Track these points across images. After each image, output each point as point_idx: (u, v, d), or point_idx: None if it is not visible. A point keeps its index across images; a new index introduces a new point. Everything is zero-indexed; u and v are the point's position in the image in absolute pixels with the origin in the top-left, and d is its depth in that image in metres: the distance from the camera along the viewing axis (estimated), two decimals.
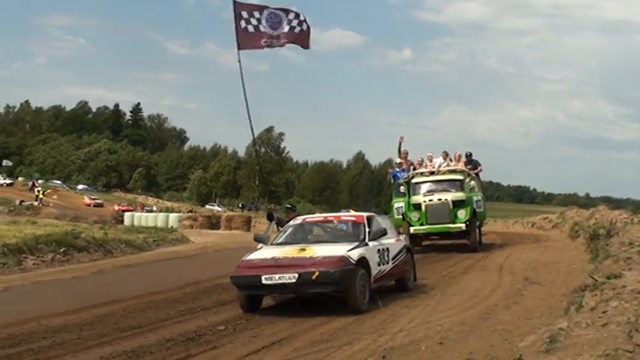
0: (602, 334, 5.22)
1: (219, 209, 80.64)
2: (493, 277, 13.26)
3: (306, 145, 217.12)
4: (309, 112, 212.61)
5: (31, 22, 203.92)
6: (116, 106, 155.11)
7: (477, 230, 20.63)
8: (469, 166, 21.32)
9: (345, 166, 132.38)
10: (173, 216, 48.56)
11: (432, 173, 20.84)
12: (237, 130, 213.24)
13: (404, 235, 13.69)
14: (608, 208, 26.96)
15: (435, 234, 20.08)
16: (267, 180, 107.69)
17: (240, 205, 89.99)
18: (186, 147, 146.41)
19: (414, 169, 21.51)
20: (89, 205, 63.72)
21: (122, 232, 26.32)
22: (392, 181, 22.19)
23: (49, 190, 72.82)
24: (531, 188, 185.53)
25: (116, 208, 63.49)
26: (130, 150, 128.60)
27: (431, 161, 21.53)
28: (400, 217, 20.07)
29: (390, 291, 11.84)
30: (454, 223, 19.07)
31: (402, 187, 20.60)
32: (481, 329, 8.37)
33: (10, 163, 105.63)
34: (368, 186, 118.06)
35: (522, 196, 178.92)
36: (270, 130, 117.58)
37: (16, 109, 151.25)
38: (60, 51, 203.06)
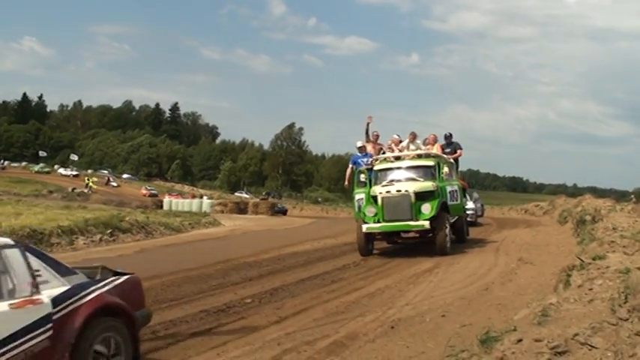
0: (589, 308, 5.18)
1: (247, 196, 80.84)
2: (490, 258, 13.18)
3: (324, 139, 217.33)
4: (327, 110, 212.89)
5: (83, 31, 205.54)
6: (157, 104, 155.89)
7: (464, 225, 16.48)
8: (448, 150, 16.42)
9: None
10: (206, 202, 48.77)
11: (398, 159, 15.70)
12: (263, 125, 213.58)
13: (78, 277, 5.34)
14: (593, 197, 26.80)
15: (393, 233, 14.71)
16: (289, 170, 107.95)
17: (265, 193, 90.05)
18: (217, 141, 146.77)
19: (384, 153, 16.39)
20: (145, 196, 63.67)
21: (161, 216, 26.43)
22: (352, 168, 16.41)
23: (96, 179, 73.42)
24: (524, 179, 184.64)
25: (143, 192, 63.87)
26: (169, 144, 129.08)
27: (397, 144, 16.28)
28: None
29: (394, 270, 11.83)
30: (416, 219, 13.57)
31: (362, 176, 15.27)
32: (479, 303, 8.34)
33: (76, 158, 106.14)
34: None
35: (516, 185, 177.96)
36: (291, 126, 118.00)
37: (69, 108, 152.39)
38: (107, 56, 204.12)
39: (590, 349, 3.96)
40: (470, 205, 23.09)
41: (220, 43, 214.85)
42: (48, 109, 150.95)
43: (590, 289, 5.96)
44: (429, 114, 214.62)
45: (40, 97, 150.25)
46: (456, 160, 16.62)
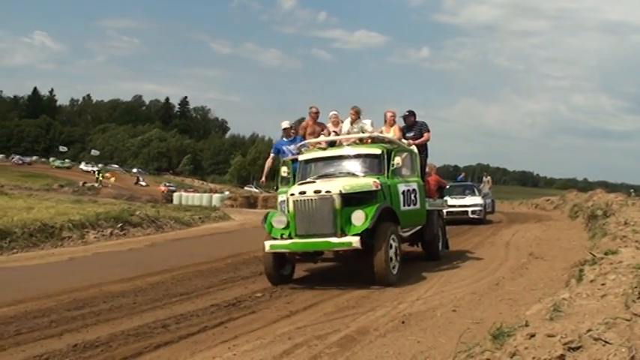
0: (602, 303, 5.15)
1: (256, 190, 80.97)
2: (500, 252, 13.15)
3: None
4: (337, 104, 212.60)
5: (92, 25, 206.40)
6: (166, 99, 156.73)
7: (438, 236, 12.36)
8: (410, 134, 11.97)
9: None
10: (216, 196, 48.86)
11: (333, 145, 11.38)
12: (273, 119, 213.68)
13: None
14: (605, 192, 26.66)
15: (311, 253, 9.90)
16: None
17: (275, 187, 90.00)
18: (227, 135, 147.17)
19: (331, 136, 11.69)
20: (163, 192, 63.72)
21: (171, 210, 26.52)
22: (274, 157, 12.47)
23: (107, 174, 73.67)
24: (535, 173, 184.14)
25: (162, 188, 63.70)
26: (178, 138, 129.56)
27: (335, 125, 11.72)
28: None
29: (405, 264, 11.80)
30: (342, 233, 9.18)
31: (284, 169, 11.28)
32: (490, 298, 8.31)
33: (97, 153, 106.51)
34: None
35: (526, 180, 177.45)
36: (301, 120, 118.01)
37: (79, 102, 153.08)
38: (117, 50, 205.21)
39: (603, 345, 3.92)
40: (475, 201, 22.91)
41: (230, 37, 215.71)
42: (58, 104, 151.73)
43: (603, 284, 5.92)
44: (438, 107, 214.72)
45: (51, 92, 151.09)
46: (423, 147, 12.00)
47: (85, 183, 59.87)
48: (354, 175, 10.34)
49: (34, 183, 59.37)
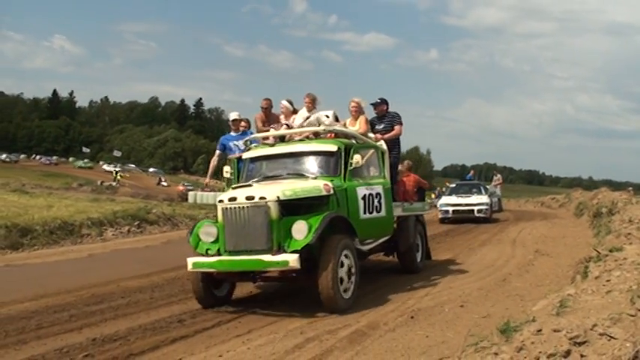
0: (607, 299, 5.12)
1: None
2: (507, 249, 13.10)
3: None
4: (347, 105, 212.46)
5: (110, 29, 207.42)
6: (182, 100, 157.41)
7: (414, 246, 10.30)
8: (380, 127, 9.97)
9: None
10: None
11: (283, 140, 9.37)
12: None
13: None
14: (609, 190, 26.50)
15: (240, 274, 7.94)
16: None
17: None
18: None
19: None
20: (182, 191, 63.61)
21: (186, 209, 26.56)
22: (219, 155, 10.62)
23: (127, 174, 73.97)
24: (540, 172, 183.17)
25: (180, 188, 63.71)
26: (193, 138, 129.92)
27: (288, 116, 9.74)
28: None
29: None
30: (280, 250, 7.28)
31: (227, 169, 9.49)
32: (497, 294, 8.29)
33: (119, 154, 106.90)
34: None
35: (532, 178, 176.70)
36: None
37: (97, 104, 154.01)
38: (135, 53, 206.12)
39: (609, 340, 3.91)
40: (481, 199, 22.62)
41: (243, 40, 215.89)
42: (77, 105, 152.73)
43: (608, 281, 5.89)
44: (446, 108, 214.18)
45: (71, 94, 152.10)
46: (394, 142, 9.88)
47: (102, 182, 60.12)
48: (303, 176, 8.28)
49: (54, 182, 59.62)
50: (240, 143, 10.05)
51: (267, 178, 8.56)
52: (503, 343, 4.35)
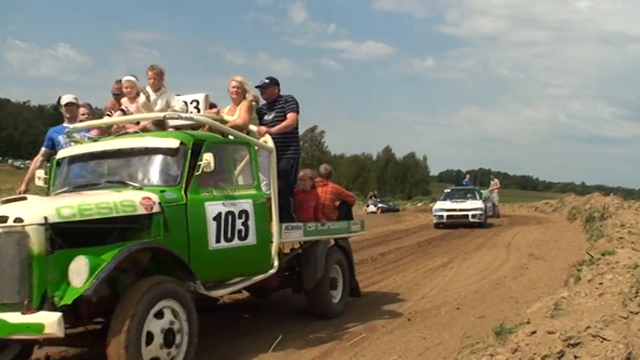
0: (600, 302, 5.13)
1: None
2: (502, 253, 13.11)
3: (342, 140, 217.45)
4: (346, 112, 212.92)
5: (113, 37, 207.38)
6: None
7: (327, 282, 7.32)
8: (270, 116, 7.13)
9: (374, 158, 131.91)
10: None
11: (110, 132, 6.62)
12: None
13: None
14: (601, 195, 26.52)
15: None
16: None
17: None
18: None
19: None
20: None
21: None
22: (44, 153, 7.23)
23: None
24: (534, 177, 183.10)
25: None
26: None
27: (132, 99, 6.56)
28: None
29: (410, 265, 11.80)
30: (43, 303, 4.43)
31: (39, 175, 6.26)
32: (492, 297, 8.30)
33: None
34: (394, 175, 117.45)
35: (526, 184, 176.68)
36: (313, 129, 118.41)
37: (100, 111, 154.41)
38: (137, 61, 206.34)
39: (602, 341, 3.92)
40: (476, 205, 22.31)
41: (244, 48, 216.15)
42: None
43: (601, 284, 5.90)
44: (442, 115, 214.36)
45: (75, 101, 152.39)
46: (290, 137, 7.15)
47: None
48: (125, 185, 5.59)
49: None
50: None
51: (79, 187, 5.80)
52: (498, 345, 4.36)
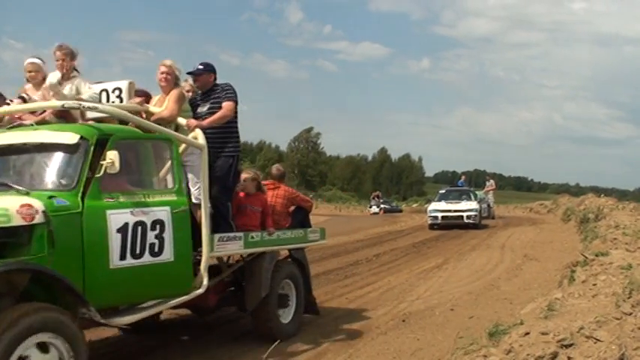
0: (593, 303, 5.14)
1: None
2: (496, 254, 13.12)
3: (338, 140, 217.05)
4: (341, 113, 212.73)
5: (109, 37, 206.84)
6: None
7: (270, 301, 6.22)
8: (205, 108, 6.17)
9: (370, 159, 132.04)
10: None
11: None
12: (280, 127, 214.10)
13: None
14: (596, 196, 26.57)
15: None
16: (304, 171, 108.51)
17: None
18: None
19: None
20: None
21: None
22: None
23: None
24: (529, 178, 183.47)
25: None
26: None
27: (37, 85, 5.56)
28: None
29: (405, 266, 11.80)
30: None
31: None
32: (486, 298, 8.30)
33: None
34: (389, 176, 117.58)
35: (521, 185, 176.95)
36: (309, 130, 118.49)
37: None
38: (132, 61, 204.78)
39: (595, 342, 3.92)
40: (470, 206, 22.07)
41: (239, 49, 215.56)
42: None
43: (594, 285, 5.90)
44: (437, 116, 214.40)
45: None
46: (228, 131, 6.21)
47: None
48: (8, 187, 4.58)
49: None
50: None
51: None
52: (492, 346, 4.36)
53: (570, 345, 3.94)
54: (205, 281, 5.38)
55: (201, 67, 6.24)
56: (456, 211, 21.85)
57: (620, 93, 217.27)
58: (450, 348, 5.26)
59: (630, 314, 4.28)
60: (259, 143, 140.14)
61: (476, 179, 57.01)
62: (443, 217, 21.84)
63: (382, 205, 41.27)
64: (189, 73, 6.29)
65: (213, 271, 5.77)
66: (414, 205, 46.38)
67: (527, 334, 4.19)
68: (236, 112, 6.18)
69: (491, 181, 29.93)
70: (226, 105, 6.03)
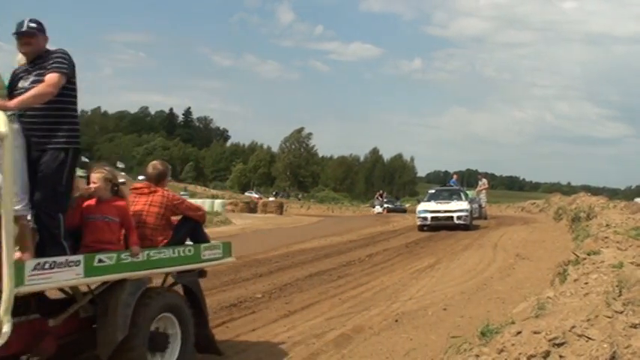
0: (585, 302, 5.15)
1: (256, 196, 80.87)
2: (489, 254, 13.15)
3: (330, 141, 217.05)
4: (333, 113, 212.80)
5: (100, 39, 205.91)
6: (170, 109, 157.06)
7: (137, 342, 4.52)
8: (27, 82, 4.44)
9: (362, 159, 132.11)
10: (218, 202, 48.77)
11: None
12: (272, 128, 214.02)
13: None
14: (587, 195, 26.69)
15: None
16: (296, 172, 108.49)
17: (273, 193, 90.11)
18: (228, 144, 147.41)
19: None
20: None
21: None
22: None
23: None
24: (521, 178, 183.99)
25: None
26: (181, 146, 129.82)
27: None
28: None
29: (398, 266, 11.81)
30: None
31: None
32: (479, 298, 8.33)
33: (123, 165, 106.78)
34: (381, 176, 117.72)
35: (513, 184, 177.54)
36: (300, 130, 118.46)
37: (88, 114, 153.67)
38: (124, 63, 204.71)
39: (586, 341, 3.93)
40: (461, 206, 21.44)
41: (231, 50, 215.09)
42: None
43: (586, 283, 5.92)
44: (429, 116, 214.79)
45: None
46: (57, 115, 4.48)
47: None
48: None
49: None
50: None
51: None
52: (484, 345, 4.37)
53: (562, 344, 3.96)
54: (6, 327, 3.73)
55: (33, 24, 4.54)
56: (446, 211, 21.18)
57: (611, 92, 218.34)
58: (442, 348, 5.28)
59: (621, 312, 4.30)
60: (251, 144, 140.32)
61: (468, 179, 57.12)
62: (432, 217, 21.16)
63: (386, 205, 40.80)
64: (16, 34, 4.53)
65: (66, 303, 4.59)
66: (407, 206, 46.47)
67: (520, 333, 4.21)
68: (72, 91, 4.59)
69: (484, 180, 29.66)
70: (49, 78, 4.36)
